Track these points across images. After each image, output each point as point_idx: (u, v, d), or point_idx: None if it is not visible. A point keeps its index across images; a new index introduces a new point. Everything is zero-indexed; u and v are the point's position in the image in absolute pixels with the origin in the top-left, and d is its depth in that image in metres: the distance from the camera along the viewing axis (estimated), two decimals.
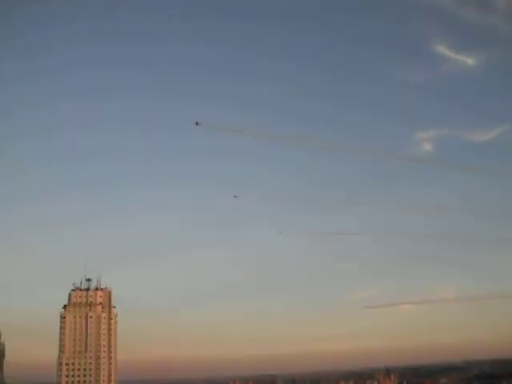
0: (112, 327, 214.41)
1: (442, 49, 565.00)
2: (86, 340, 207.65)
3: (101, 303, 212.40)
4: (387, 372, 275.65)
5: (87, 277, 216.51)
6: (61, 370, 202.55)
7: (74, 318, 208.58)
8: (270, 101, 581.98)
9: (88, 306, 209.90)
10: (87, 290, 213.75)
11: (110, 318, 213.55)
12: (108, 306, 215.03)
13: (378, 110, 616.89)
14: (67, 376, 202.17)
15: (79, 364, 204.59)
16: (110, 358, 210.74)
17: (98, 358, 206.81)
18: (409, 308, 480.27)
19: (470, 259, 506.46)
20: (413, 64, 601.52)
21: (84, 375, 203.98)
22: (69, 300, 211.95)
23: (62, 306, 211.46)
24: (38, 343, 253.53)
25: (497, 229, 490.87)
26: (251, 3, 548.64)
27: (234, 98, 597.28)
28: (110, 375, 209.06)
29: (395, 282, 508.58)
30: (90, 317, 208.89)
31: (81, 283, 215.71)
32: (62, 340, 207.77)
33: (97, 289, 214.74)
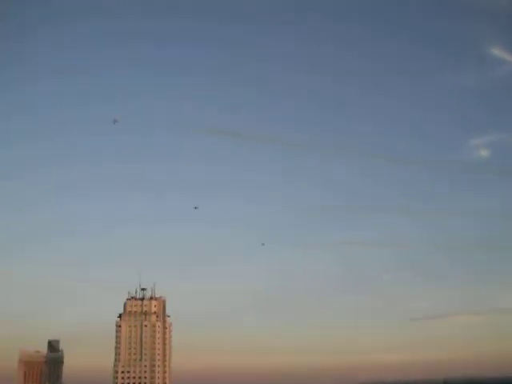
0: (166, 336, 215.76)
1: (497, 51, 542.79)
2: (141, 348, 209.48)
3: (155, 312, 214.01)
4: None
5: (142, 286, 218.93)
6: (116, 377, 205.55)
7: (129, 326, 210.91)
8: (303, 116, 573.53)
9: (143, 314, 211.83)
10: (142, 299, 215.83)
11: (164, 327, 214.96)
12: (162, 315, 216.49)
13: (430, 115, 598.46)
14: (123, 383, 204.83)
15: (134, 372, 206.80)
16: (164, 366, 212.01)
17: (153, 366, 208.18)
18: (469, 318, 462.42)
19: None
20: (466, 67, 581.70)
21: (139, 383, 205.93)
22: (124, 309, 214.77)
23: (118, 314, 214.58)
24: (94, 351, 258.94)
25: None
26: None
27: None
28: (164, 383, 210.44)
29: (455, 291, 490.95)
30: (145, 326, 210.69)
31: (136, 292, 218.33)
32: (117, 348, 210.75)
33: (151, 298, 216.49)
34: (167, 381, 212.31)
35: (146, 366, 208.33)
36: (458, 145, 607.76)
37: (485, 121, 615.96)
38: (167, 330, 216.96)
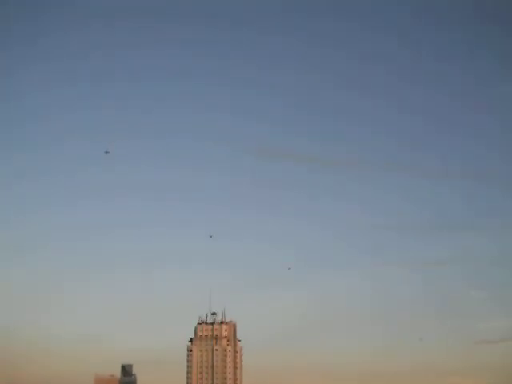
0: (237, 360, 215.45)
1: None
2: (213, 373, 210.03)
3: (226, 336, 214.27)
4: None
5: (212, 310, 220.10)
6: None
7: (201, 351, 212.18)
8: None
9: (214, 339, 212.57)
10: (212, 323, 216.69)
11: (235, 351, 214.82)
12: (233, 338, 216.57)
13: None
14: None
15: None
16: None
17: None
18: None
19: None
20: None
21: None
22: (195, 333, 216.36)
23: (189, 339, 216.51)
24: (166, 375, 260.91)
25: None
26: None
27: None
28: None
29: None
30: (216, 350, 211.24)
31: (206, 317, 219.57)
32: (189, 373, 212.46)
33: (222, 322, 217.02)
34: None
35: None
36: None
37: None
38: (238, 354, 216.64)
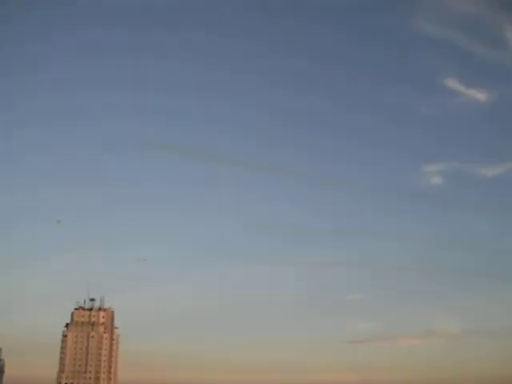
0: (114, 348, 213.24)
1: (453, 83, 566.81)
2: (87, 360, 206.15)
3: (103, 323, 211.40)
4: None
5: (91, 296, 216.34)
6: None
7: (76, 337, 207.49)
8: (264, 129, 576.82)
9: (90, 325, 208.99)
10: (90, 309, 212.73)
11: (111, 339, 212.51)
12: (111, 326, 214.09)
13: (387, 141, 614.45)
14: None
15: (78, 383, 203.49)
16: (109, 378, 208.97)
17: (98, 378, 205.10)
18: (409, 342, 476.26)
19: (473, 295, 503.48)
20: (424, 96, 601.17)
21: None
22: (71, 319, 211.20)
23: (65, 324, 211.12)
24: (38, 360, 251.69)
25: (499, 265, 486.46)
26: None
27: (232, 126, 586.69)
28: None
29: (395, 315, 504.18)
30: (92, 337, 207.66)
31: (84, 302, 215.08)
32: (62, 358, 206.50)
33: (100, 309, 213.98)
34: None
35: (90, 378, 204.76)
36: (412, 171, 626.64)
37: (439, 149, 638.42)
38: (114, 342, 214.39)
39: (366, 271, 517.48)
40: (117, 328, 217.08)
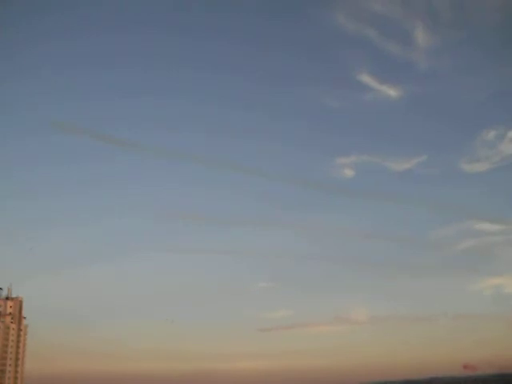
0: (21, 339, 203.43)
1: (366, 78, 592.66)
2: None
3: (10, 313, 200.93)
4: None
5: None
6: None
7: None
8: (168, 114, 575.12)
9: None
10: None
11: (19, 329, 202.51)
12: (18, 316, 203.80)
13: (299, 134, 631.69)
14: None
15: None
16: (16, 371, 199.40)
17: (3, 371, 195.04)
18: (319, 329, 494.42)
19: (381, 284, 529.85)
20: (337, 91, 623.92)
21: None
22: None
23: None
24: None
25: (406, 256, 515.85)
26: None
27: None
28: None
29: (306, 303, 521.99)
30: None
31: None
32: None
33: (7, 298, 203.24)
34: None
35: None
36: (325, 163, 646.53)
37: (351, 143, 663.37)
38: (22, 333, 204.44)
39: (277, 260, 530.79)
40: (25, 318, 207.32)
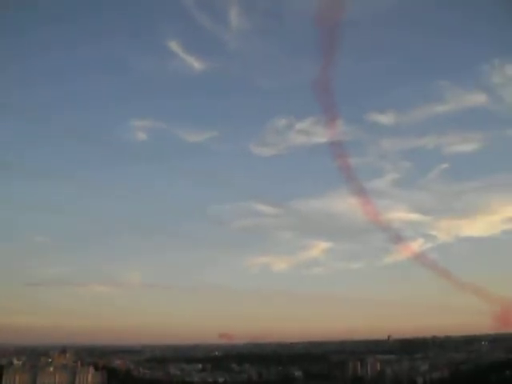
0: None
1: (174, 46, 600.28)
2: None
3: None
4: (63, 350, 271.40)
5: None
6: None
7: None
8: None
9: None
10: None
11: None
12: None
13: (99, 91, 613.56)
14: None
15: None
16: None
17: None
18: (94, 289, 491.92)
19: (154, 252, 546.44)
20: (145, 54, 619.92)
21: None
22: None
23: None
24: None
25: (182, 227, 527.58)
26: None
27: None
28: None
29: (80, 263, 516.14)
30: None
31: None
32: None
33: None
34: None
35: None
36: (120, 124, 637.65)
37: (146, 107, 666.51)
38: None
39: (54, 216, 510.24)
40: None
